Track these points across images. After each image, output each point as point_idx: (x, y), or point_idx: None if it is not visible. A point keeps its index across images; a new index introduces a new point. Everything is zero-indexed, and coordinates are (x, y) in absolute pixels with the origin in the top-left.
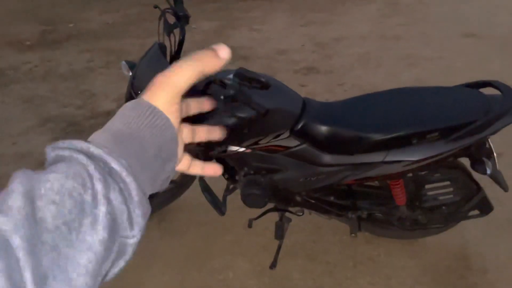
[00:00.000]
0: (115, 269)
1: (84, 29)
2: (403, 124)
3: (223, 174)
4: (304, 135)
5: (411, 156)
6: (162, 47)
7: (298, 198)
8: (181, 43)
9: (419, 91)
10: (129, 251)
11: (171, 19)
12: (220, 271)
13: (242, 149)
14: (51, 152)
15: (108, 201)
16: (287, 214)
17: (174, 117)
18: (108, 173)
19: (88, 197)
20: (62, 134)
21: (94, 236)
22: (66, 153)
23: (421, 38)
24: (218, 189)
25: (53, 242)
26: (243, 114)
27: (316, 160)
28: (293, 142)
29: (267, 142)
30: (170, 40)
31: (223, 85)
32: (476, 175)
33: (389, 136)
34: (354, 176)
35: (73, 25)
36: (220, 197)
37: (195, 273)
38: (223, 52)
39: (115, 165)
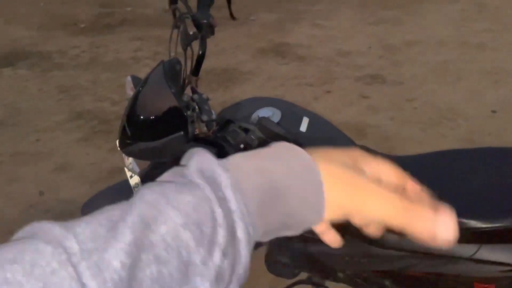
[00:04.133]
0: None
1: (140, 14)
2: (509, 210)
3: None
4: None
5: None
6: (173, 65)
7: (340, 275)
8: (200, 59)
9: None
10: None
11: (192, 28)
12: None
13: None
14: (193, 169)
15: (216, 276)
16: None
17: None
18: (230, 238)
19: (197, 259)
20: (89, 134)
21: None
22: (205, 191)
23: (511, 48)
24: None
25: None
26: None
27: (370, 237)
28: None
29: None
30: (186, 55)
31: (245, 129)
32: None
33: (486, 226)
34: (422, 268)
35: (131, 9)
36: None
37: None
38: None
39: (240, 233)
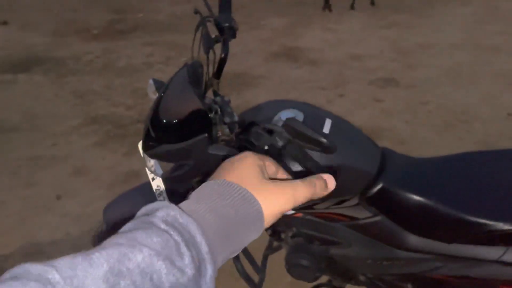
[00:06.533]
0: None
1: (152, 20)
2: None
3: (266, 229)
4: (380, 204)
5: None
6: (195, 68)
7: (361, 278)
8: (222, 62)
9: None
10: None
11: (214, 31)
12: None
13: (289, 212)
14: (157, 220)
15: None
16: None
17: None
18: (198, 273)
19: (166, 283)
20: (105, 138)
21: None
22: (172, 233)
23: None
24: (255, 249)
25: None
26: (291, 168)
27: (393, 240)
28: (362, 213)
29: (326, 208)
30: (208, 58)
31: (269, 131)
32: None
33: None
34: (447, 271)
35: (142, 15)
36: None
37: None
38: (331, 184)
39: (210, 268)
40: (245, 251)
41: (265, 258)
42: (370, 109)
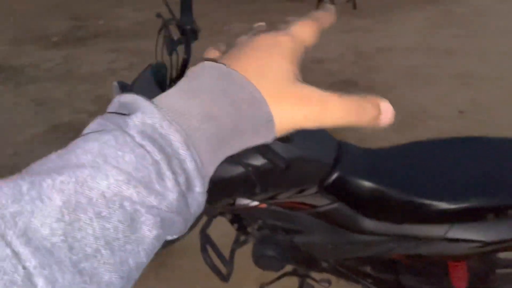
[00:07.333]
0: None
1: (114, 27)
2: (476, 191)
3: (232, 224)
4: (337, 192)
5: (483, 235)
6: (159, 69)
7: (324, 264)
8: (185, 64)
9: (507, 144)
10: None
11: (176, 33)
12: None
13: (254, 203)
14: (131, 129)
15: (163, 225)
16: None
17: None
18: (183, 193)
19: (142, 210)
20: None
21: (137, 259)
22: (149, 149)
23: (477, 54)
24: (224, 244)
25: (92, 270)
26: (254, 162)
27: (351, 224)
28: (321, 200)
29: (287, 198)
30: (171, 60)
31: None
32: None
33: (454, 206)
34: (400, 250)
35: (103, 22)
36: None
37: None
38: (387, 114)
39: (198, 185)
40: (213, 245)
41: (232, 251)
42: None
